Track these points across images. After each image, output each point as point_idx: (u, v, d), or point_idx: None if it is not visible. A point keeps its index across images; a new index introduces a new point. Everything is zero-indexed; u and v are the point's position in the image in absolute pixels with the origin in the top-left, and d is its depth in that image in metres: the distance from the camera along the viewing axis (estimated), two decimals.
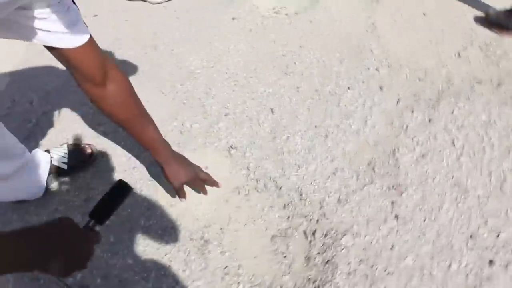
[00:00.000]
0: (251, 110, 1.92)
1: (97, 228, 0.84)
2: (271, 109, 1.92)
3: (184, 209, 1.57)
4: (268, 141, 1.79)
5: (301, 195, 1.61)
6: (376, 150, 1.76)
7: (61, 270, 0.72)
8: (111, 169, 1.71)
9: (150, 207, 1.59)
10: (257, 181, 1.65)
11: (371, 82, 2.06)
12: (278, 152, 1.75)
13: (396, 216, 1.54)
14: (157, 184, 1.65)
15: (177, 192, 1.44)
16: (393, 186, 1.63)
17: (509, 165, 1.72)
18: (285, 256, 1.45)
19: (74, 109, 1.94)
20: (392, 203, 1.58)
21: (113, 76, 1.16)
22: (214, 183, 1.51)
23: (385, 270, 1.40)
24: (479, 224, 1.53)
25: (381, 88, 2.03)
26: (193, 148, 1.76)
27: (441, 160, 1.73)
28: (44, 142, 1.82)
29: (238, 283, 1.40)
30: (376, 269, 1.41)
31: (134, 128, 1.30)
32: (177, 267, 1.43)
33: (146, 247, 1.49)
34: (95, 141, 1.80)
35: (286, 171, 1.68)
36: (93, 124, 1.87)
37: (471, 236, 1.50)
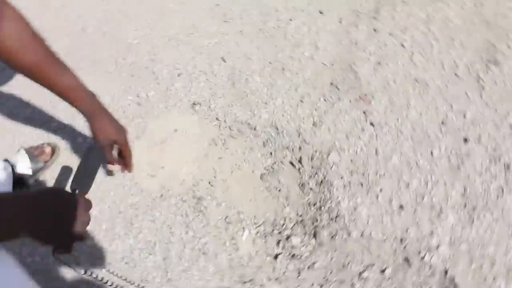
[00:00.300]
0: (202, 64, 1.87)
1: None
2: (222, 57, 1.88)
3: (167, 176, 1.53)
4: (229, 88, 1.76)
5: (277, 128, 1.60)
6: (334, 69, 1.78)
7: (58, 238, 0.69)
8: (78, 159, 1.62)
9: (132, 185, 1.53)
10: (230, 128, 1.62)
11: (310, 9, 2.06)
12: (241, 96, 1.72)
13: (371, 123, 1.58)
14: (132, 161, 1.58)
15: (104, 151, 1.17)
16: (359, 97, 1.66)
17: (456, 52, 1.81)
18: (279, 190, 1.46)
19: (17, 113, 1.79)
20: (364, 112, 1.62)
21: (8, 14, 0.96)
22: (130, 165, 1.28)
23: (376, 174, 1.45)
24: (446, 110, 1.61)
25: (321, 12, 2.04)
26: (156, 115, 1.69)
27: (396, 63, 1.79)
28: None
29: (243, 228, 1.39)
30: (368, 175, 1.45)
31: (45, 76, 1.05)
32: (179, 232, 1.40)
33: (141, 222, 1.44)
34: (51, 138, 1.68)
35: (255, 111, 1.66)
36: (43, 122, 1.74)
37: (442, 123, 1.58)
